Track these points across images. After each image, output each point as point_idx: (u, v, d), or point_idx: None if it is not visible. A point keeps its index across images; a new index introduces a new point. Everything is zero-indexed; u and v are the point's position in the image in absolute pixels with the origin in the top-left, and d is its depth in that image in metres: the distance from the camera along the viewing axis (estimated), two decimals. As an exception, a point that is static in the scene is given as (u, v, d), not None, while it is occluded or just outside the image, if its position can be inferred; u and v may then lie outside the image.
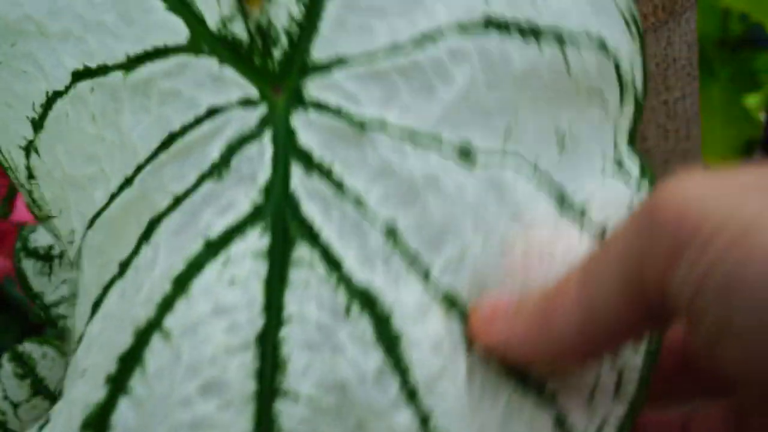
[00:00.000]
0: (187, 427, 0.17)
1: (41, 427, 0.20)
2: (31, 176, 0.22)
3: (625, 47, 0.21)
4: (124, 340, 0.18)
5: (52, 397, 0.42)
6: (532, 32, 0.21)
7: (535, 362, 0.19)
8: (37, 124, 0.22)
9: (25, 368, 0.41)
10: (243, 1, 0.21)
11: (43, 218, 0.23)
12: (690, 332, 0.16)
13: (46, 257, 0.37)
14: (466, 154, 0.20)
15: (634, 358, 0.19)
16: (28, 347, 0.42)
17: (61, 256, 0.39)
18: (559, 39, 0.21)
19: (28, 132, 0.22)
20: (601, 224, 0.21)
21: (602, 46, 0.21)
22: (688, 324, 0.16)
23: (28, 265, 0.37)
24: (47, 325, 0.62)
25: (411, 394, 0.18)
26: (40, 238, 0.37)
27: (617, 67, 0.21)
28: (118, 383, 0.18)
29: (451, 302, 0.19)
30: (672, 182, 0.16)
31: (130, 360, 0.18)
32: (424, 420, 0.18)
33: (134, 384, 0.18)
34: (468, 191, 0.20)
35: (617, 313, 0.17)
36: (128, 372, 0.18)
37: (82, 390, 0.19)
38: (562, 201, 0.21)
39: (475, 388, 0.19)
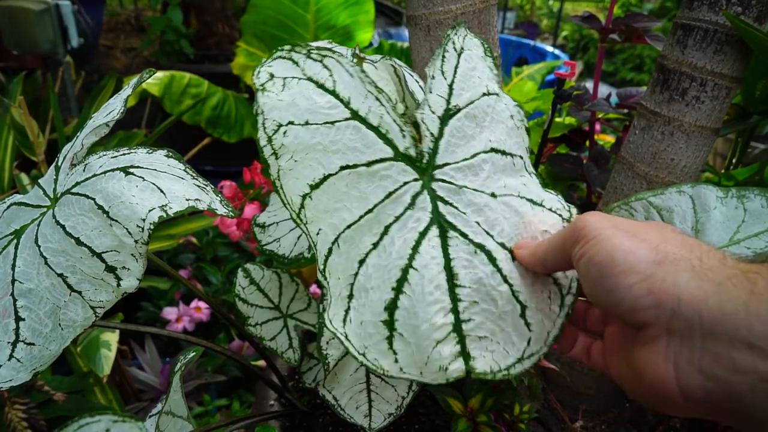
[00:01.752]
0: (434, 310, 0.37)
1: (347, 311, 0.39)
2: (302, 207, 0.40)
3: (527, 157, 0.45)
4: (394, 278, 0.38)
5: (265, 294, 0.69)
6: (505, 153, 0.43)
7: (529, 267, 0.39)
8: (315, 187, 0.40)
9: (249, 277, 0.68)
10: (416, 141, 0.41)
11: (297, 223, 0.40)
12: (577, 272, 0.35)
13: (263, 226, 0.64)
14: (493, 195, 0.42)
15: (572, 288, 0.40)
16: (250, 266, 0.68)
17: (268, 226, 0.67)
18: (511, 155, 0.44)
19: (307, 189, 0.40)
20: (551, 208, 0.42)
21: (521, 158, 0.45)
22: (576, 269, 0.35)
23: (257, 230, 0.65)
24: (258, 256, 1.23)
25: (504, 278, 0.39)
26: (260, 219, 0.65)
27: (524, 163, 0.45)
28: (397, 291, 0.38)
29: (502, 245, 0.40)
30: (586, 214, 0.35)
31: (400, 284, 0.38)
32: (511, 286, 0.39)
33: (405, 290, 0.38)
34: (498, 207, 0.41)
35: (555, 257, 0.37)
36: (401, 287, 0.38)
37: (375, 296, 0.38)
38: (534, 203, 0.42)
39: (521, 274, 0.39)
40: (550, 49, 3.09)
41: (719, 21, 0.59)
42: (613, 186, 0.71)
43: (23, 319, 0.39)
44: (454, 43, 0.44)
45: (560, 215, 0.42)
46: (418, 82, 0.55)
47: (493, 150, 0.42)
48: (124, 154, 0.44)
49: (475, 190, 0.41)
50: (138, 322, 1.26)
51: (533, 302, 0.39)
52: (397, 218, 0.39)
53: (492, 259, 0.39)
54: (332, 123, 0.39)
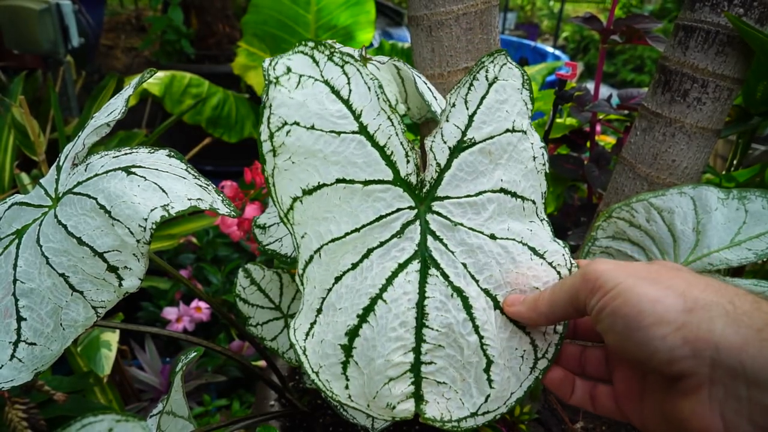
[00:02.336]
0: (393, 347, 0.37)
1: (312, 325, 0.38)
2: (292, 208, 0.38)
3: (540, 203, 0.43)
4: (361, 305, 0.38)
5: (265, 293, 0.69)
6: (516, 196, 0.42)
7: (526, 322, 0.39)
8: (307, 192, 0.38)
9: (250, 277, 0.68)
10: (419, 168, 0.40)
11: (284, 222, 0.39)
12: (595, 324, 0.33)
13: (263, 227, 0.64)
14: (493, 237, 0.40)
15: (548, 353, 0.40)
16: (250, 266, 0.68)
17: (269, 227, 0.66)
18: (523, 199, 0.42)
19: (299, 193, 0.38)
20: (552, 262, 0.41)
21: (534, 203, 0.43)
22: (594, 321, 0.33)
23: (257, 231, 0.65)
24: (259, 256, 1.20)
25: (476, 328, 0.38)
26: (260, 220, 0.66)
27: (536, 208, 0.43)
28: (361, 318, 0.38)
29: (486, 292, 0.39)
30: (595, 262, 0.34)
31: (366, 313, 0.38)
32: (481, 338, 0.38)
33: (369, 320, 0.38)
34: (494, 251, 0.40)
35: (564, 309, 0.36)
36: (366, 316, 0.38)
37: (341, 318, 0.38)
38: (535, 253, 0.41)
39: (499, 326, 0.39)
40: (550, 49, 3.09)
41: (721, 22, 0.59)
42: (614, 187, 0.71)
43: (25, 319, 0.39)
44: (487, 71, 0.42)
45: (558, 272, 0.40)
46: (426, 83, 0.55)
47: (502, 190, 0.41)
48: (125, 154, 0.44)
49: (471, 229, 0.40)
50: (138, 322, 1.26)
51: (503, 359, 0.38)
52: (382, 244, 0.38)
53: (467, 306, 0.38)
54: (338, 133, 0.37)
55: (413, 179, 0.39)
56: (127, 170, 0.40)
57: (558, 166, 0.91)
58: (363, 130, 0.38)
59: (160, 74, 1.76)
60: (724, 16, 0.59)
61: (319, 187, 0.38)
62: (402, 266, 0.38)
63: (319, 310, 0.38)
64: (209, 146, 1.66)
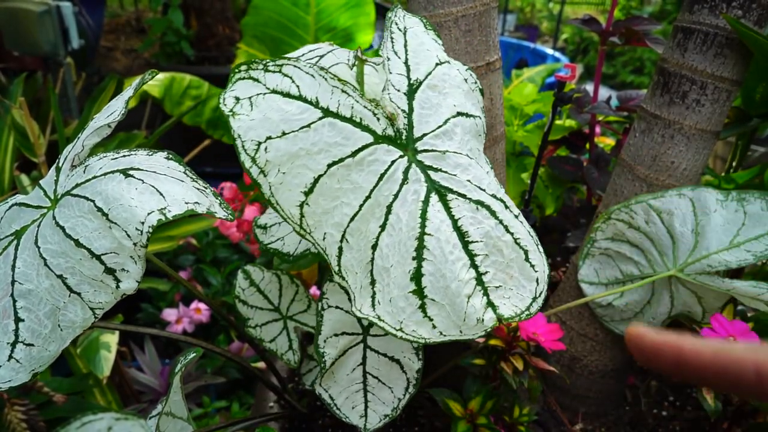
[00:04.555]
0: (459, 266, 0.40)
1: (373, 296, 0.41)
2: (302, 215, 0.41)
3: (483, 116, 0.50)
4: (411, 248, 0.40)
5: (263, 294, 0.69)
6: (468, 115, 0.47)
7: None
8: (308, 192, 0.41)
9: (249, 278, 0.68)
10: (390, 119, 0.43)
11: (302, 235, 0.41)
12: None
13: (264, 227, 0.64)
14: (468, 156, 0.46)
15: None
16: (250, 268, 0.69)
17: (270, 227, 0.66)
18: (473, 117, 0.48)
19: (302, 197, 0.41)
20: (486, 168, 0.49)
21: (481, 118, 0.50)
22: None
23: (258, 231, 0.65)
24: (258, 258, 1.16)
25: (506, 228, 0.42)
26: (261, 220, 0.66)
27: (483, 123, 0.50)
28: (418, 259, 0.40)
29: (494, 197, 0.44)
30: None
31: (419, 252, 0.41)
32: (511, 234, 0.42)
33: (425, 256, 0.40)
34: (475, 165, 0.45)
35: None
36: (421, 255, 0.40)
37: (397, 271, 0.40)
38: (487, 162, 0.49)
39: (512, 218, 0.44)
40: (550, 51, 3.10)
41: (719, 24, 0.59)
42: (613, 188, 0.71)
43: (23, 320, 0.39)
44: (397, 24, 0.48)
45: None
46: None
47: (459, 113, 0.46)
48: (124, 156, 0.44)
49: (455, 152, 0.44)
50: (138, 324, 1.26)
51: (532, 245, 0.43)
52: (396, 195, 0.41)
53: (492, 212, 0.42)
54: (308, 126, 0.40)
55: (390, 131, 0.42)
56: (125, 173, 0.40)
57: (557, 167, 0.91)
58: (327, 112, 0.40)
59: (160, 76, 1.77)
60: (723, 18, 0.59)
61: (316, 180, 0.40)
62: (425, 202, 0.41)
63: (372, 282, 0.41)
64: (209, 148, 1.66)
